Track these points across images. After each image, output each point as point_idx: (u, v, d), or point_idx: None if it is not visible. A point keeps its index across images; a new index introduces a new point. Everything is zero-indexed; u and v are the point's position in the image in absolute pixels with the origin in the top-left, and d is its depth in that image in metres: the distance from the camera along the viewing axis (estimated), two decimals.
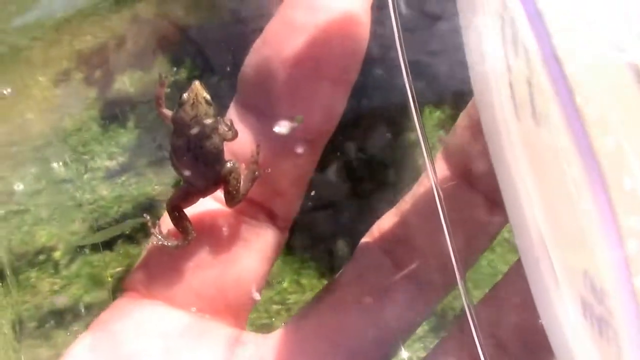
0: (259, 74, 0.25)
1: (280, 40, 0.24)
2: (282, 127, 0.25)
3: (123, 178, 0.51)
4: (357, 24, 0.24)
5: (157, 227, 0.27)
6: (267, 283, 0.50)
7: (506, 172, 0.23)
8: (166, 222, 0.27)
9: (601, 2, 0.15)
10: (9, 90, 0.46)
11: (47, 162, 0.51)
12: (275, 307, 0.49)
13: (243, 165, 0.26)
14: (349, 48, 0.24)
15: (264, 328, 0.51)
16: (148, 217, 0.27)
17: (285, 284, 0.49)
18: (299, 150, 0.26)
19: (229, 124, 0.25)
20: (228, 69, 0.36)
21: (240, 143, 0.26)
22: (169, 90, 0.26)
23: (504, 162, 0.23)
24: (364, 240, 0.29)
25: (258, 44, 0.25)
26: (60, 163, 0.51)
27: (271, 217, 0.27)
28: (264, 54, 0.25)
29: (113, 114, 0.47)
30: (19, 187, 0.52)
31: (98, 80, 0.43)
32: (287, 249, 0.50)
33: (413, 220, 0.28)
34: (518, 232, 0.23)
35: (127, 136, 0.49)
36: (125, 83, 0.43)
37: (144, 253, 0.27)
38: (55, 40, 0.45)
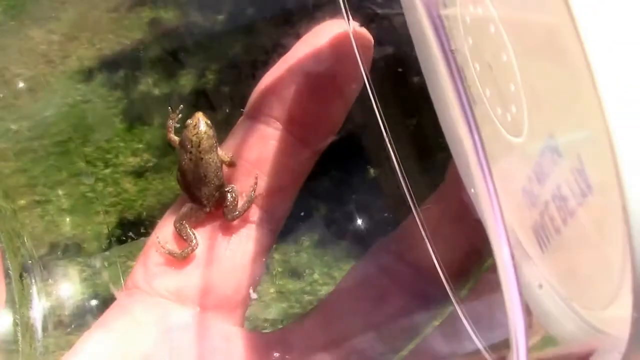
0: (274, 86, 0.27)
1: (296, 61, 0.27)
2: None
3: (147, 173, 0.51)
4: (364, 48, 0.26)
5: (159, 244, 0.29)
6: (298, 275, 0.51)
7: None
8: (164, 234, 0.29)
9: None
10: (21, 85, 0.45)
11: (68, 155, 0.51)
12: (307, 297, 0.50)
13: (244, 194, 0.29)
14: (354, 69, 0.26)
15: (295, 318, 0.52)
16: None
17: (316, 276, 0.50)
18: (298, 155, 0.28)
19: (230, 155, 0.29)
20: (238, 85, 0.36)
21: (249, 148, 0.28)
22: (180, 115, 0.31)
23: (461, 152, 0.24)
24: (363, 258, 0.31)
25: (280, 62, 0.28)
26: (82, 157, 0.51)
27: (262, 219, 0.29)
28: (281, 68, 0.27)
29: (137, 113, 0.47)
30: (39, 179, 0.52)
31: (120, 80, 0.42)
32: (318, 242, 0.50)
33: (410, 240, 0.29)
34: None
35: (151, 134, 0.48)
36: (149, 84, 0.42)
37: (143, 250, 0.28)
38: (74, 37, 0.44)
